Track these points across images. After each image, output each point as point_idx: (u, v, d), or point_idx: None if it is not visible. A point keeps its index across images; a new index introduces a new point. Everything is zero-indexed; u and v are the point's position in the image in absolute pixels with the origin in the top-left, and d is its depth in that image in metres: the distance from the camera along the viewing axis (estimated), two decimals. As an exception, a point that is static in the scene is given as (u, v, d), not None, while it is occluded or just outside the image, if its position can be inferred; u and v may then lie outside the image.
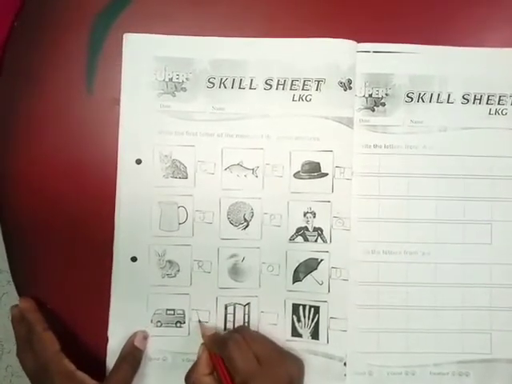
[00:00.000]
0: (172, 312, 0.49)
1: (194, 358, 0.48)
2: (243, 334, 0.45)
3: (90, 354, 0.49)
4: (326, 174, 0.49)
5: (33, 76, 0.50)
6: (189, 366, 0.47)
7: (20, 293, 0.50)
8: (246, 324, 0.49)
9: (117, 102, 0.49)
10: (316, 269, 0.49)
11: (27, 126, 0.50)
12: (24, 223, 0.50)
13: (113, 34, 0.50)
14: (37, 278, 0.50)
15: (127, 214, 0.49)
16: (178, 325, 0.49)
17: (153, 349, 0.49)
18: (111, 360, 0.48)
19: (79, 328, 0.49)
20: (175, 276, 0.49)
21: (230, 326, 0.49)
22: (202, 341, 0.48)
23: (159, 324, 0.49)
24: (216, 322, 0.49)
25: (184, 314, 0.49)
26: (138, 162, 0.49)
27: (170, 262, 0.49)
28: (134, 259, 0.49)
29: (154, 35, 0.49)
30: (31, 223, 0.49)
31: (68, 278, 0.49)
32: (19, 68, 0.50)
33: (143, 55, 0.49)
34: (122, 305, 0.49)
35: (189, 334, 0.49)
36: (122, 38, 0.49)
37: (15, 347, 0.47)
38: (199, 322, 0.49)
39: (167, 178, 0.49)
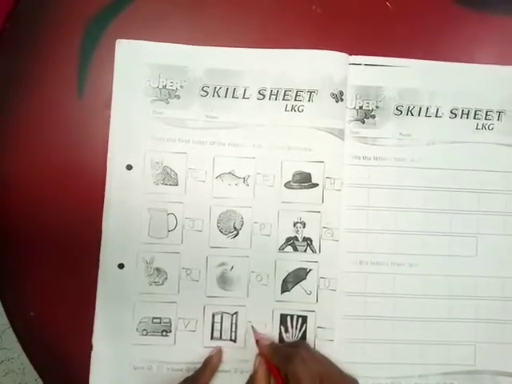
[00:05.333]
0: (158, 320, 0.48)
1: (180, 367, 0.48)
2: (306, 350, 0.45)
3: (74, 360, 0.48)
4: (317, 185, 0.49)
5: (23, 79, 0.49)
6: (174, 375, 0.47)
7: (3, 298, 0.49)
8: (233, 333, 0.49)
9: (108, 107, 0.49)
10: (305, 279, 0.49)
11: (16, 130, 0.49)
12: (9, 228, 0.49)
13: (105, 39, 0.50)
14: (20, 283, 0.49)
15: (115, 220, 0.48)
16: (164, 333, 0.48)
17: (138, 357, 0.48)
18: (96, 367, 0.47)
19: (63, 335, 0.48)
20: (163, 284, 0.49)
21: (216, 335, 0.49)
22: (188, 350, 0.48)
23: (145, 332, 0.48)
24: (203, 330, 0.48)
25: (170, 322, 0.48)
26: (129, 167, 0.49)
27: (157, 269, 0.49)
28: (121, 266, 0.48)
29: (147, 42, 0.50)
30: (16, 228, 0.49)
31: (52, 283, 0.48)
32: (9, 71, 0.50)
33: (136, 61, 0.49)
34: (108, 312, 0.48)
35: (175, 343, 0.48)
36: (114, 44, 0.49)
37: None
38: (252, 327, 0.48)
39: (158, 184, 0.49)
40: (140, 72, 0.49)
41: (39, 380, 0.48)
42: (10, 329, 0.48)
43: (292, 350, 0.44)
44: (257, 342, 0.47)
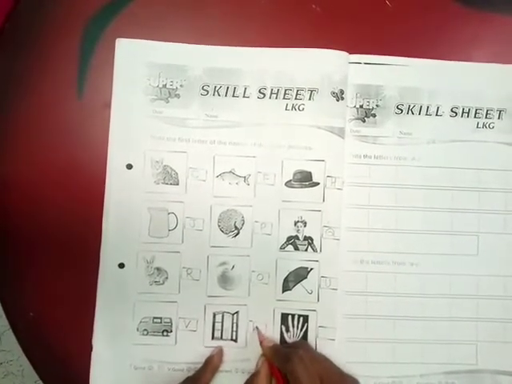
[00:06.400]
0: (159, 320, 0.48)
1: (181, 367, 0.48)
2: (306, 350, 0.45)
3: (74, 361, 0.48)
4: (318, 184, 0.49)
5: (22, 79, 0.49)
6: (175, 375, 0.47)
7: (2, 299, 0.48)
8: (234, 333, 0.48)
9: (107, 107, 0.49)
10: (306, 278, 0.49)
11: (16, 129, 0.49)
12: (9, 228, 0.49)
13: (105, 38, 0.50)
14: (20, 283, 0.48)
15: (116, 220, 0.48)
16: (165, 333, 0.48)
17: (138, 357, 0.48)
18: (96, 368, 0.47)
19: (63, 335, 0.48)
20: (163, 283, 0.48)
21: (217, 334, 0.48)
22: (189, 350, 0.48)
23: (145, 332, 0.48)
24: (204, 330, 0.48)
25: (171, 322, 0.48)
26: (129, 167, 0.49)
27: (158, 269, 0.48)
28: (121, 266, 0.48)
29: (147, 41, 0.50)
30: (16, 228, 0.49)
31: (52, 283, 0.48)
32: (9, 71, 0.49)
33: (136, 61, 0.49)
34: (108, 312, 0.48)
35: (176, 342, 0.48)
36: (114, 43, 0.49)
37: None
38: (256, 328, 0.48)
39: (158, 183, 0.49)
40: (140, 71, 0.49)
41: (39, 382, 0.48)
42: (9, 330, 0.48)
43: (291, 350, 0.44)
44: (261, 343, 0.47)
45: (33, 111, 0.49)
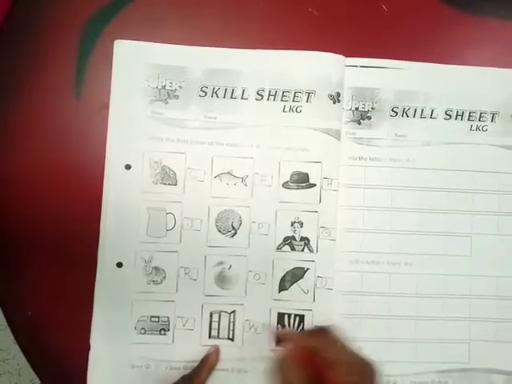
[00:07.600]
0: (156, 319, 0.49)
1: (178, 365, 0.48)
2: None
3: (72, 359, 0.48)
4: (314, 185, 0.50)
5: (21, 79, 0.49)
6: (172, 373, 0.47)
7: (0, 298, 0.48)
8: (231, 332, 0.49)
9: (106, 107, 0.49)
10: (302, 278, 0.49)
11: (15, 130, 0.49)
12: (7, 227, 0.49)
13: (104, 39, 0.50)
14: (18, 282, 0.49)
15: (114, 219, 0.49)
16: (162, 332, 0.49)
17: (136, 356, 0.48)
18: (94, 366, 0.47)
19: (61, 334, 0.48)
20: (161, 283, 0.49)
21: (214, 333, 0.49)
22: (186, 349, 0.48)
23: (143, 331, 0.48)
24: (201, 329, 0.49)
25: (168, 321, 0.49)
26: (128, 167, 0.49)
27: (156, 268, 0.49)
28: (119, 265, 0.49)
29: (146, 43, 0.50)
30: (14, 227, 0.49)
31: (50, 282, 0.49)
32: (7, 72, 0.50)
33: (135, 62, 0.50)
34: (106, 311, 0.48)
35: (173, 341, 0.49)
36: (112, 44, 0.50)
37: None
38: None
39: (156, 184, 0.49)
40: (138, 72, 0.50)
41: (35, 381, 0.49)
42: (6, 329, 0.48)
43: (333, 334, 0.41)
44: (283, 336, 0.46)
45: (31, 112, 0.49)
